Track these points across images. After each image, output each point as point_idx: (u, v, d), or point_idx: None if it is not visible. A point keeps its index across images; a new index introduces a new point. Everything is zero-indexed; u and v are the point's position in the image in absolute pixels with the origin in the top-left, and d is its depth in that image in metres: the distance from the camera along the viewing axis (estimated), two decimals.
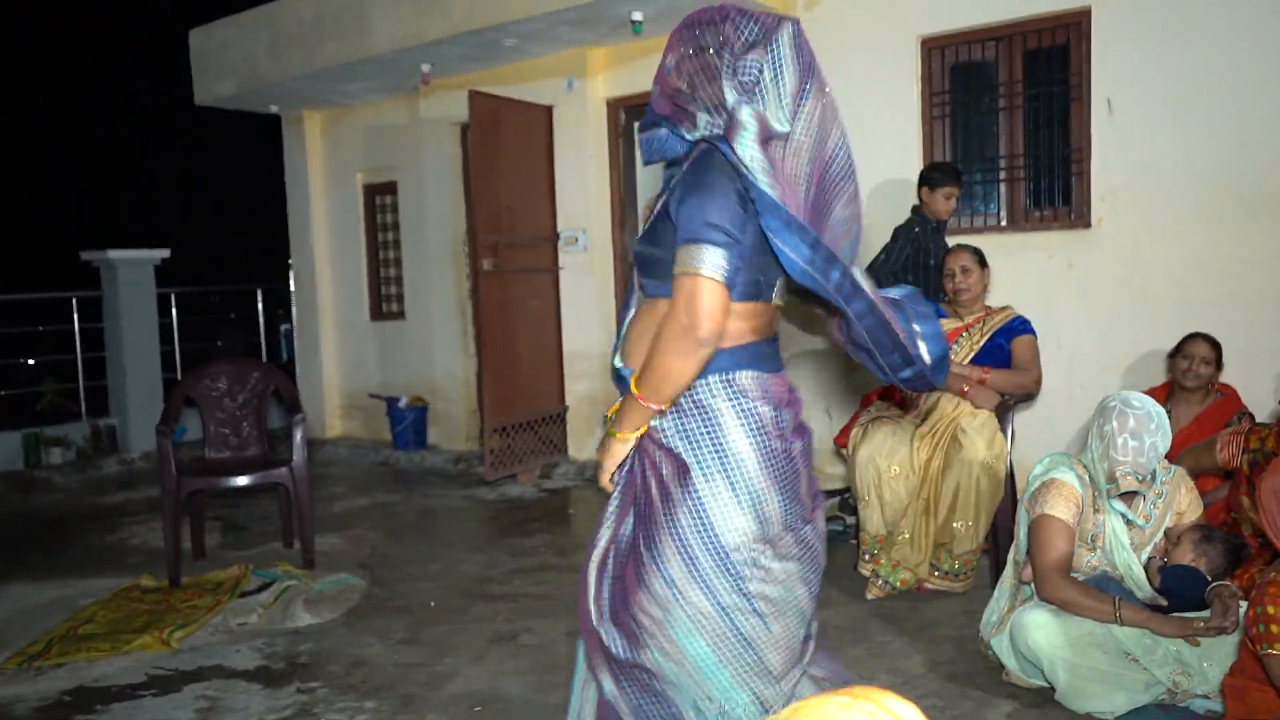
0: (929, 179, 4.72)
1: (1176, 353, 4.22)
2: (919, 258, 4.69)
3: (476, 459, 6.93)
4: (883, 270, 4.68)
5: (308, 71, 6.97)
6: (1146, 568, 3.04)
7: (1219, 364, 4.16)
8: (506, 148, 6.35)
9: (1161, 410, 3.02)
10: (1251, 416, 3.98)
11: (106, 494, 6.77)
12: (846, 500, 4.85)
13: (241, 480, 4.62)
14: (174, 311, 8.71)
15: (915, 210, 4.74)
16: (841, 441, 4.35)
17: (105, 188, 19.01)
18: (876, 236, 5.49)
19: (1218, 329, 4.27)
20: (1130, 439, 2.94)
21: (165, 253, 8.14)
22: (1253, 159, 4.49)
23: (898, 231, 4.73)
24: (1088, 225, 4.92)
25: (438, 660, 3.50)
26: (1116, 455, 2.96)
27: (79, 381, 8.00)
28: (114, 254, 7.86)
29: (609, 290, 6.66)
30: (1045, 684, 2.97)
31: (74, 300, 8.01)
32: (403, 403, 7.58)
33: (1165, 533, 3.08)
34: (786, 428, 1.93)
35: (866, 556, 4.02)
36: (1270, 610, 2.03)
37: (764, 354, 1.94)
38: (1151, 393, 4.10)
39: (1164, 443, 2.98)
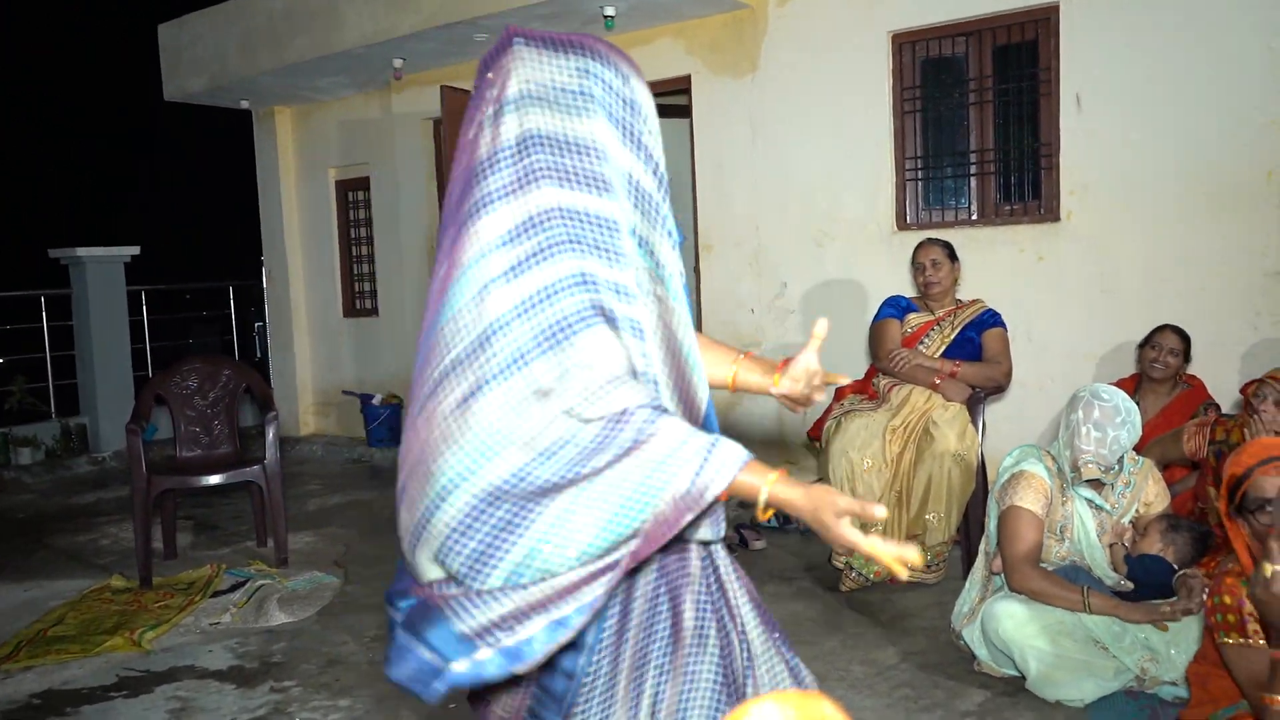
0: None
1: (1146, 343, 4.26)
2: None
3: None
4: None
5: (278, 66, 6.92)
6: (1112, 555, 3.08)
7: (1187, 356, 4.21)
8: None
9: (1132, 406, 3.06)
10: (1218, 408, 4.04)
11: (77, 494, 6.70)
12: None
13: (213, 479, 4.59)
14: (144, 309, 8.63)
15: None
16: (814, 434, 4.37)
17: (73, 184, 18.79)
18: (850, 233, 5.52)
19: (1185, 321, 4.32)
20: (1094, 430, 2.99)
21: (135, 250, 8.08)
22: (1219, 153, 4.54)
23: None
24: (1057, 219, 4.96)
25: None
26: (1079, 444, 3.00)
27: (48, 380, 7.92)
28: (83, 251, 7.78)
29: None
30: (1016, 673, 3.00)
31: (42, 298, 7.93)
32: (377, 400, 7.55)
33: (1133, 523, 3.13)
34: None
35: (840, 549, 4.05)
36: (1226, 600, 2.06)
37: None
38: (1120, 384, 4.15)
39: (1129, 437, 3.02)
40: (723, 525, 1.38)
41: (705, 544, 1.44)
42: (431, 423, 1.25)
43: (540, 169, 1.28)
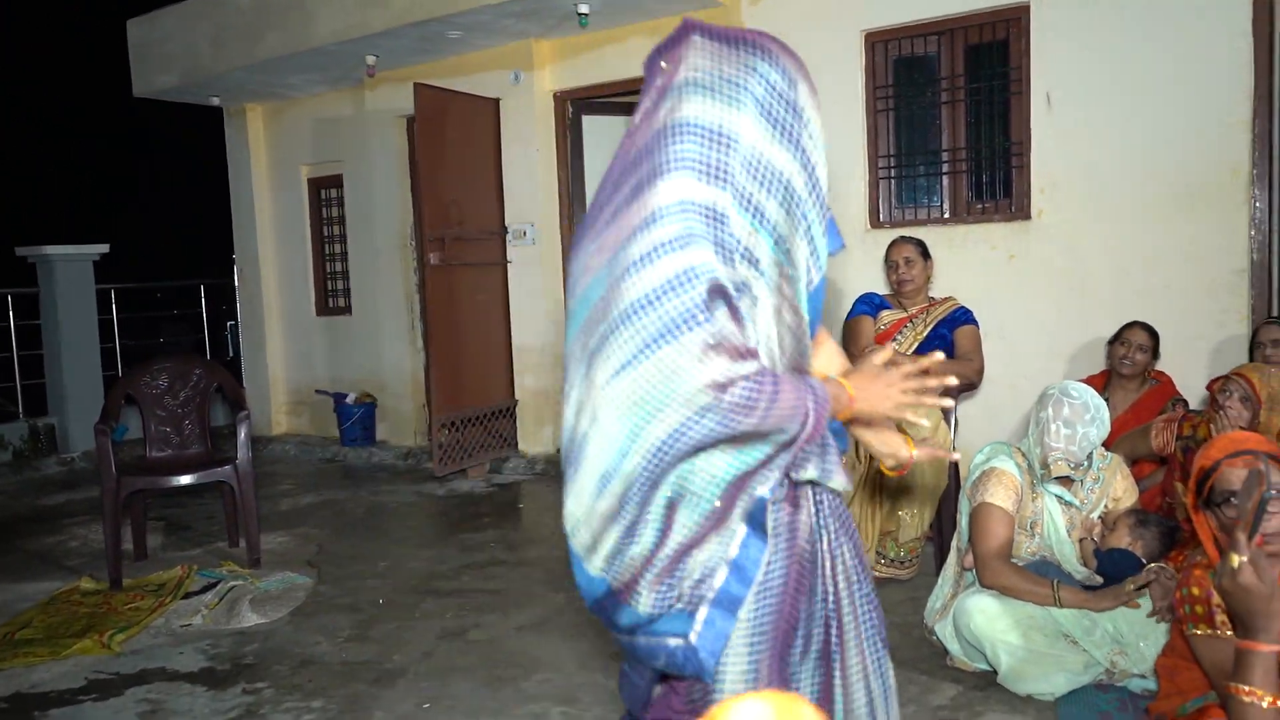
0: None
1: (1115, 340, 4.30)
2: None
3: (425, 454, 6.88)
4: None
5: (250, 63, 6.87)
6: (1081, 550, 3.12)
7: (1155, 352, 4.26)
8: (453, 141, 6.30)
9: (1101, 402, 3.09)
10: (1185, 403, 4.08)
11: (46, 495, 6.62)
12: None
13: (184, 479, 4.54)
14: (114, 308, 8.54)
15: None
16: None
17: (41, 181, 18.55)
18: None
19: (1154, 318, 4.37)
20: (1063, 427, 3.01)
21: (104, 248, 7.99)
22: (1187, 152, 4.59)
23: None
24: (1028, 217, 5.00)
25: (386, 658, 3.48)
26: (1050, 441, 3.03)
27: (16, 380, 7.82)
28: (51, 249, 7.69)
29: (557, 284, 6.65)
30: (988, 668, 3.02)
31: (9, 297, 7.83)
32: (350, 399, 7.51)
33: (1101, 518, 3.16)
34: None
35: None
36: (1195, 591, 2.09)
37: None
38: (1090, 380, 4.19)
39: (1098, 433, 3.05)
40: (832, 470, 1.48)
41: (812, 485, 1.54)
42: (593, 391, 1.37)
43: (685, 158, 1.35)
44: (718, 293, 1.32)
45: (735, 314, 1.34)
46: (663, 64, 1.44)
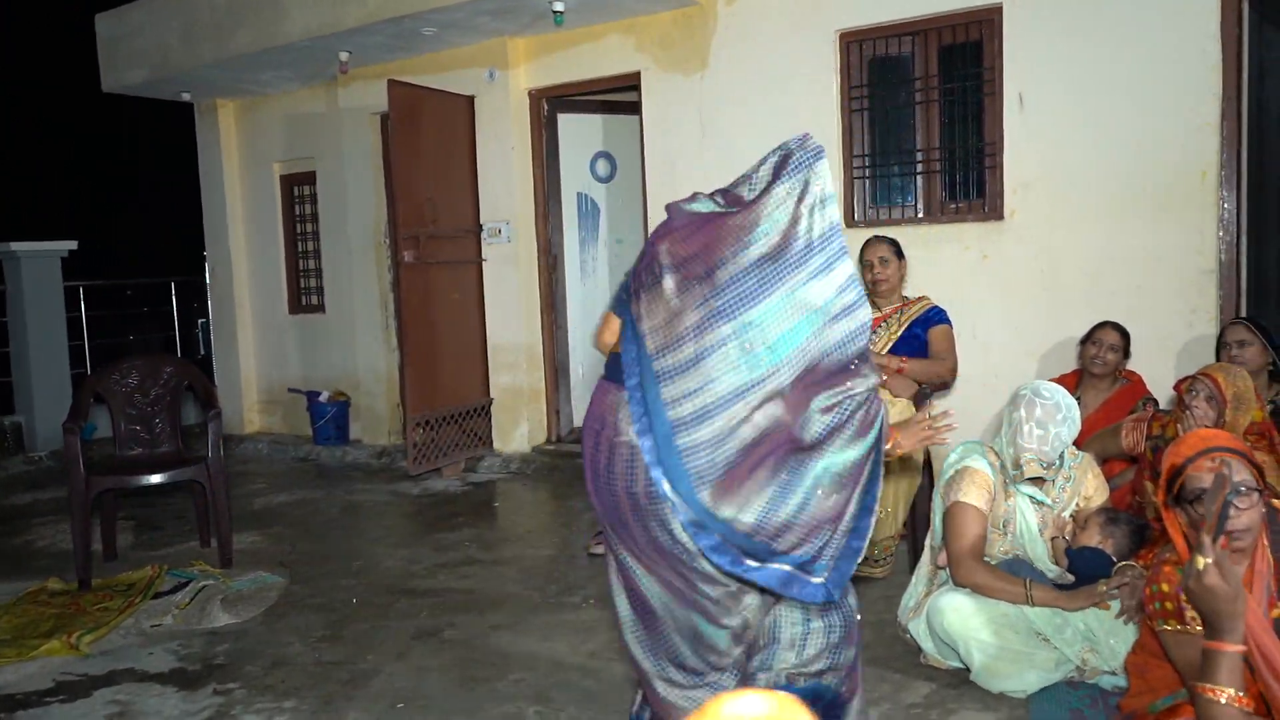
0: None
1: (1086, 340, 4.34)
2: None
3: (400, 453, 6.85)
4: None
5: (221, 59, 6.80)
6: (1053, 547, 3.14)
7: (1126, 352, 4.29)
8: (427, 138, 6.27)
9: (1072, 402, 3.11)
10: (1155, 403, 4.12)
11: (12, 495, 6.54)
12: None
13: (154, 478, 4.49)
14: (83, 305, 8.44)
15: None
16: None
17: (7, 177, 18.29)
18: None
19: (1124, 318, 4.41)
20: (1036, 427, 3.03)
21: (72, 244, 7.90)
22: (1156, 153, 4.64)
23: None
24: (1001, 217, 5.04)
25: (359, 658, 3.46)
26: (1022, 442, 3.05)
27: None
28: (17, 246, 7.60)
29: (533, 282, 6.63)
30: (961, 665, 3.04)
31: None
32: (324, 397, 7.46)
33: (1073, 516, 3.19)
34: (593, 429, 2.04)
35: None
36: (1164, 588, 2.11)
37: (612, 363, 2.06)
38: (1061, 380, 4.22)
39: (1070, 433, 3.08)
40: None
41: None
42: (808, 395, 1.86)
43: (845, 247, 1.91)
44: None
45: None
46: (803, 170, 1.98)
